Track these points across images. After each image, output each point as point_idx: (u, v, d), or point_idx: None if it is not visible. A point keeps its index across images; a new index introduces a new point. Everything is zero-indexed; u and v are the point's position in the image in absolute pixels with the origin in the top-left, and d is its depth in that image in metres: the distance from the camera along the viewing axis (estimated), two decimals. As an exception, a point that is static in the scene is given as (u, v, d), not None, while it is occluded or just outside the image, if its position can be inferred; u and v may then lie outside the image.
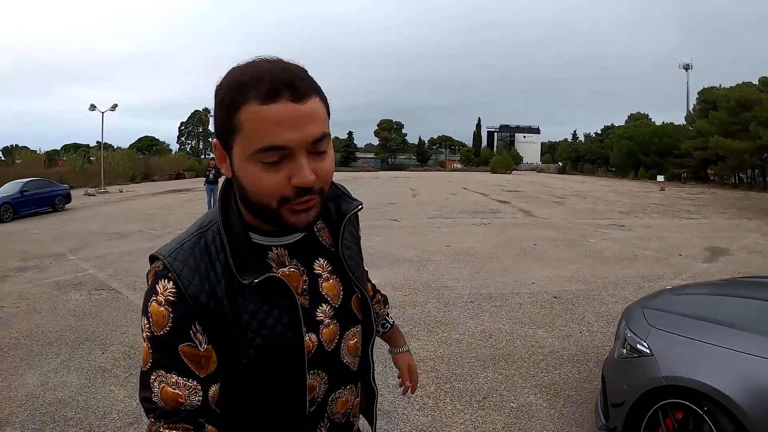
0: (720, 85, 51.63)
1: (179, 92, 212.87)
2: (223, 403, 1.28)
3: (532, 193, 31.78)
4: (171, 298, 1.20)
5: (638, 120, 72.41)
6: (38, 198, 25.44)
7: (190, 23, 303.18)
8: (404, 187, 38.30)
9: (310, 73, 1.22)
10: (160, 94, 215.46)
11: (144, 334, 1.22)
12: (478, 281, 9.02)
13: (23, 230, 18.88)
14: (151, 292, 1.23)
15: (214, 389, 1.22)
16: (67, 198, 27.72)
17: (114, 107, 44.99)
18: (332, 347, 1.39)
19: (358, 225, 1.65)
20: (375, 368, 1.62)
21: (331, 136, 1.24)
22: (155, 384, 1.17)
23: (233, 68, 1.20)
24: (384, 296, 2.04)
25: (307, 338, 1.31)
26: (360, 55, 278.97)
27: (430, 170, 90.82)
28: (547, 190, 34.91)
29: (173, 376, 1.17)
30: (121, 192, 40.07)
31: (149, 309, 1.21)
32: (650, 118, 73.93)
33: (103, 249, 13.80)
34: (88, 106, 44.03)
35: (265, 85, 1.11)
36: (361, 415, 1.68)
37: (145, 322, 1.22)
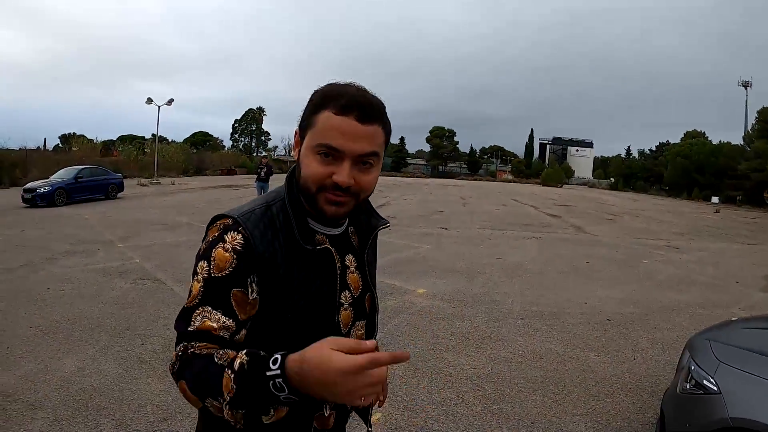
0: (779, 105, 50.42)
1: (235, 91, 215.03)
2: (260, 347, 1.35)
3: (583, 208, 31.36)
4: (238, 248, 1.42)
5: (694, 138, 71.20)
6: (92, 185, 26.06)
7: (251, 24, 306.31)
8: (454, 195, 38.21)
9: (384, 106, 1.54)
10: (216, 91, 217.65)
11: (199, 276, 1.44)
12: (529, 297, 8.82)
13: (75, 215, 19.28)
14: (218, 240, 1.46)
15: (242, 332, 1.44)
16: (120, 187, 28.32)
17: (170, 102, 45.89)
18: (345, 331, 1.64)
19: (376, 244, 1.87)
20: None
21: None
22: (197, 318, 1.40)
23: (331, 83, 1.52)
24: None
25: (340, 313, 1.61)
26: (418, 60, 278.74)
27: (480, 179, 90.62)
28: (598, 206, 34.39)
29: (217, 313, 1.39)
30: (173, 184, 40.74)
31: (213, 253, 1.43)
32: (707, 137, 72.69)
33: (152, 239, 14.01)
34: (145, 100, 44.88)
35: (343, 101, 1.43)
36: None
37: (205, 264, 1.44)
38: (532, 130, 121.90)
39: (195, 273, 1.46)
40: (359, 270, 1.71)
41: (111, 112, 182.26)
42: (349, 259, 1.69)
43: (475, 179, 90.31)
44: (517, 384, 5.37)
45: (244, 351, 1.29)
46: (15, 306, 7.70)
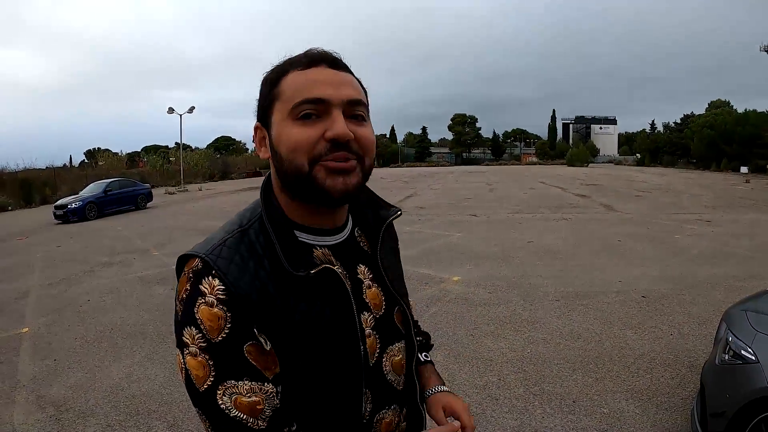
0: (807, 70, 49.50)
1: (256, 91, 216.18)
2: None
3: (611, 186, 31.10)
4: (222, 296, 1.09)
5: (719, 108, 70.27)
6: (121, 197, 26.63)
7: (267, 21, 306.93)
8: (480, 181, 38.10)
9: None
10: (237, 93, 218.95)
11: (193, 348, 1.10)
12: (564, 279, 8.86)
13: (108, 227, 19.66)
14: (195, 293, 1.11)
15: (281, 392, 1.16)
16: (149, 197, 28.79)
17: (191, 110, 46.09)
18: (373, 361, 1.31)
19: (396, 236, 1.56)
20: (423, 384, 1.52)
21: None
22: (225, 399, 1.09)
23: (284, 59, 1.24)
24: (426, 333, 1.73)
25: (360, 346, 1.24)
26: (435, 49, 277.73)
27: (505, 164, 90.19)
28: (626, 183, 34.09)
29: (246, 382, 1.09)
30: (201, 190, 41.09)
31: (197, 314, 1.09)
32: (732, 106, 71.67)
33: (187, 245, 13.89)
34: (167, 110, 45.17)
35: (306, 58, 1.19)
36: None
37: (194, 331, 1.10)
38: (554, 110, 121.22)
39: (184, 345, 1.12)
40: (377, 282, 1.37)
41: (134, 124, 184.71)
42: (362, 271, 1.34)
43: (500, 164, 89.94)
44: (557, 364, 5.45)
45: None
46: (59, 319, 7.93)
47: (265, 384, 1.11)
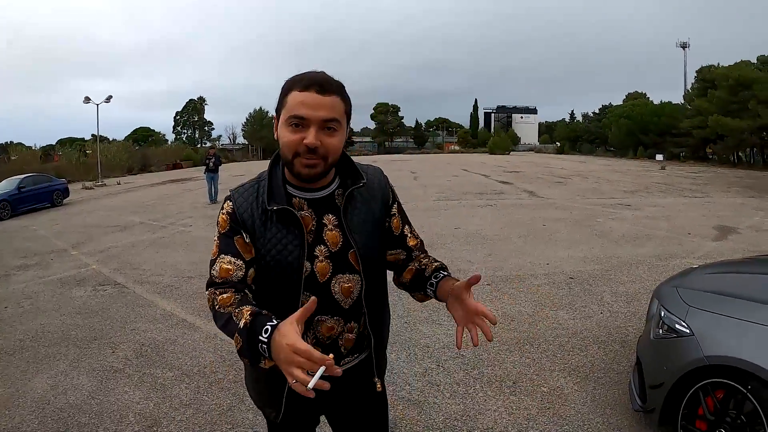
0: (718, 64, 51.46)
1: (174, 82, 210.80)
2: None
3: (533, 173, 31.76)
4: (229, 211, 1.94)
5: (636, 99, 72.37)
6: (36, 194, 25.39)
7: (193, 11, 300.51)
8: (404, 170, 38.21)
9: (344, 87, 1.90)
10: (157, 84, 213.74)
11: (216, 236, 1.96)
12: (493, 263, 8.99)
13: (22, 227, 18.82)
14: (221, 208, 1.98)
15: (251, 271, 1.91)
16: (65, 193, 27.72)
17: (109, 99, 44.67)
18: (324, 280, 1.92)
19: (391, 203, 2.13)
20: (370, 318, 2.02)
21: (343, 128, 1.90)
22: (216, 265, 1.89)
23: (297, 73, 1.89)
24: (441, 263, 2.10)
25: (306, 264, 1.89)
26: (356, 39, 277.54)
27: (427, 153, 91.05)
28: (547, 170, 34.87)
29: (228, 257, 1.89)
30: (119, 184, 40.03)
31: (218, 219, 1.97)
32: (648, 98, 73.93)
33: (106, 243, 13.73)
34: (83, 99, 43.82)
35: (305, 81, 1.81)
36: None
37: (217, 227, 1.97)
38: (476, 100, 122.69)
39: (216, 234, 1.97)
40: (339, 228, 1.95)
41: (49, 117, 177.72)
42: (328, 218, 1.96)
43: (422, 153, 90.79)
44: (494, 347, 5.49)
45: (251, 312, 1.69)
46: None
47: (238, 260, 1.88)
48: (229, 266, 1.87)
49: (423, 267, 2.07)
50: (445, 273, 2.01)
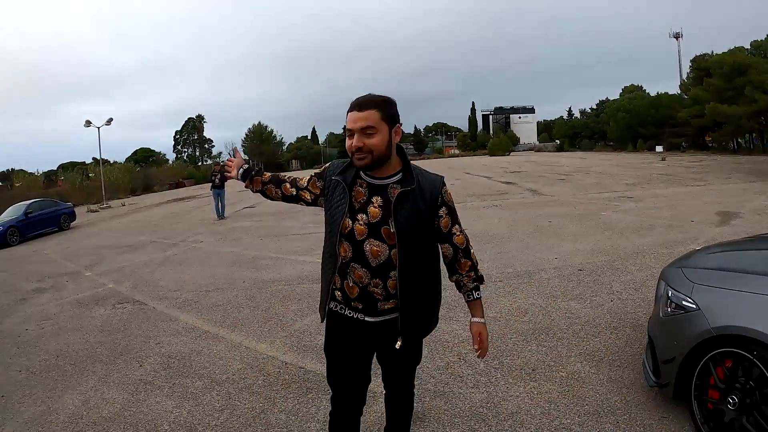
0: (712, 52, 51.51)
1: (173, 101, 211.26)
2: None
3: (534, 172, 31.88)
4: (325, 168, 2.96)
5: (633, 92, 72.30)
6: (43, 218, 25.66)
7: (187, 30, 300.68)
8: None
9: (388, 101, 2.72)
10: (155, 104, 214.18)
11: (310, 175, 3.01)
12: (503, 261, 9.14)
13: (33, 252, 18.93)
14: (323, 166, 3.02)
15: (306, 193, 2.98)
16: (72, 216, 27.94)
17: (109, 121, 45.15)
18: (360, 239, 2.66)
19: (438, 206, 2.78)
20: (401, 285, 2.68)
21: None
22: (305, 180, 3.02)
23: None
24: (479, 276, 2.94)
25: (347, 221, 2.68)
26: (346, 48, 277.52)
27: (428, 158, 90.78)
28: (549, 168, 34.97)
29: (305, 181, 2.99)
30: (124, 205, 40.25)
31: (315, 169, 3.09)
32: (645, 90, 73.88)
33: (119, 262, 13.81)
34: (84, 123, 44.11)
35: (350, 105, 2.64)
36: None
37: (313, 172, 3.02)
38: (473, 102, 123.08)
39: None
40: (382, 208, 2.65)
41: (48, 142, 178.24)
42: (376, 199, 2.68)
43: (423, 158, 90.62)
44: (511, 338, 5.67)
45: (266, 172, 3.20)
46: None
47: (301, 188, 2.99)
48: (302, 181, 3.00)
49: (461, 284, 2.91)
50: (474, 297, 2.91)
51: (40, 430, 4.90)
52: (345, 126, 2.71)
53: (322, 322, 2.97)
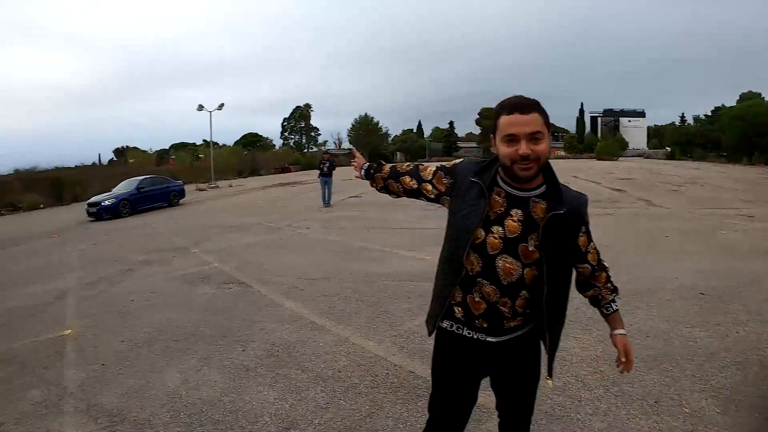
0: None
1: (279, 90, 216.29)
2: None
3: (645, 181, 30.75)
4: (456, 163, 2.75)
5: (750, 99, 69.18)
6: (154, 194, 27.12)
7: (293, 24, 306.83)
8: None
9: (542, 104, 2.44)
10: (260, 92, 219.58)
11: (437, 164, 2.87)
12: (620, 275, 8.40)
13: (142, 224, 19.91)
14: (453, 161, 2.78)
15: (429, 186, 2.81)
16: (182, 193, 29.33)
17: (221, 106, 46.88)
18: (492, 253, 2.45)
19: (581, 226, 2.61)
20: (532, 305, 2.56)
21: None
22: (426, 169, 2.88)
23: (502, 100, 2.45)
24: (614, 286, 2.83)
25: (480, 231, 2.46)
26: (462, 44, 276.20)
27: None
28: (660, 177, 33.57)
29: (431, 173, 2.83)
30: (231, 186, 41.44)
31: (449, 163, 2.80)
32: (764, 97, 70.58)
33: (224, 242, 14.20)
34: (196, 107, 46.41)
35: (508, 107, 2.39)
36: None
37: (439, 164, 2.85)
38: (582, 103, 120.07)
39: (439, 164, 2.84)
40: (522, 223, 2.43)
41: (161, 124, 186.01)
42: (515, 211, 2.45)
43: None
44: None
45: (385, 165, 3.12)
46: (102, 321, 7.75)
47: (423, 181, 2.84)
48: (425, 172, 2.85)
49: (600, 297, 2.80)
50: (613, 309, 2.81)
51: (137, 405, 5.04)
52: (495, 131, 2.45)
53: (429, 335, 2.82)
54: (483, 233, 2.45)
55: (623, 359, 2.72)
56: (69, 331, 7.39)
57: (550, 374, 2.77)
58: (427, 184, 2.80)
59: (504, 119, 2.38)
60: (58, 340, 7.09)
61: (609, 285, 2.79)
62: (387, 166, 3.10)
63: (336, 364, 5.72)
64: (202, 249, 13.39)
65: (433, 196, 2.79)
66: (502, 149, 2.39)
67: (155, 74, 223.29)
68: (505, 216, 2.45)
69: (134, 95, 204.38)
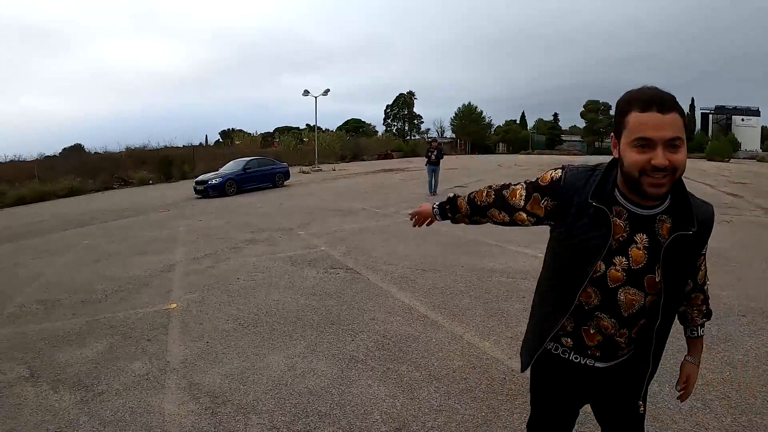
0: None
1: (382, 78, 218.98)
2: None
3: (762, 186, 28.94)
4: (555, 178, 2.22)
5: None
6: (259, 175, 28.30)
7: (396, 9, 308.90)
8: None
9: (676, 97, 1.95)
10: (363, 80, 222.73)
11: (526, 179, 2.43)
12: (744, 291, 8.07)
13: (247, 203, 20.58)
14: (552, 170, 2.26)
15: (524, 215, 2.36)
16: (286, 175, 30.41)
17: (326, 92, 48.09)
18: (613, 287, 2.11)
19: (705, 245, 2.24)
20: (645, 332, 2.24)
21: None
22: (511, 188, 2.43)
23: (628, 90, 1.98)
24: (708, 310, 2.52)
25: (598, 265, 2.09)
26: (566, 34, 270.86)
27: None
28: (778, 182, 31.62)
29: (519, 196, 2.38)
30: (334, 170, 42.29)
31: (543, 174, 2.29)
32: None
33: (330, 226, 14.37)
34: (302, 92, 47.31)
35: (643, 101, 1.90)
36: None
37: (532, 179, 2.37)
38: (693, 99, 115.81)
39: (530, 180, 2.39)
40: (647, 251, 2.07)
41: (266, 108, 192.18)
42: (640, 237, 2.07)
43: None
44: (761, 393, 4.91)
45: (463, 198, 2.75)
46: (208, 296, 7.91)
47: (521, 202, 2.37)
48: (514, 198, 2.39)
49: (689, 318, 2.53)
50: (698, 334, 2.54)
51: (241, 388, 5.03)
52: (621, 129, 1.99)
53: (522, 371, 2.50)
54: (603, 266, 2.10)
55: (681, 386, 2.54)
56: (174, 305, 7.62)
57: (643, 399, 2.35)
58: (521, 213, 2.36)
59: (636, 117, 1.91)
60: (163, 312, 7.33)
61: (704, 308, 2.49)
62: (463, 201, 2.72)
63: (450, 363, 5.55)
64: (308, 232, 13.57)
65: (531, 224, 2.36)
66: (630, 155, 1.93)
67: (258, 62, 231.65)
68: (629, 243, 2.08)
69: (240, 81, 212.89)
